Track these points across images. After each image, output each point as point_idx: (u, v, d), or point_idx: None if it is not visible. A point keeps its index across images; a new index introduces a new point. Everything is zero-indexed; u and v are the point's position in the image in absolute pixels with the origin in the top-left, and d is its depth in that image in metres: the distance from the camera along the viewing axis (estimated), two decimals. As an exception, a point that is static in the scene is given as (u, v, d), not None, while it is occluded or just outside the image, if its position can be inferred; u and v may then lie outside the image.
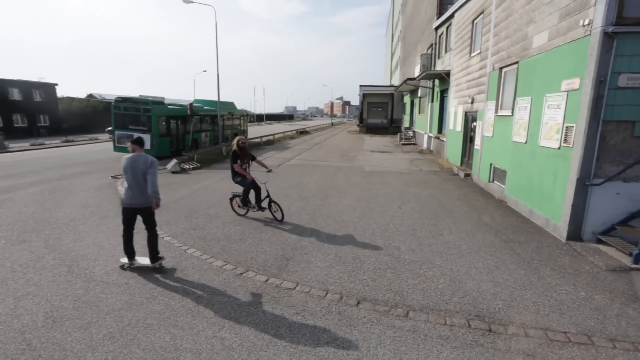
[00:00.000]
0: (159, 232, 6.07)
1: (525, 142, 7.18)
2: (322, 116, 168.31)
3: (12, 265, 4.80)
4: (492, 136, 9.18)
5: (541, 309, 3.77)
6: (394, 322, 3.55)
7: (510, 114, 8.01)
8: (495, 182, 9.08)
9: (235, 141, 6.66)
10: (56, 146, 23.18)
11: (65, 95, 40.78)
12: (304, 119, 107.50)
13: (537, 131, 6.71)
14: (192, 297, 4.01)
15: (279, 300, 3.94)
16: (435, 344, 3.21)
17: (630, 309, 3.79)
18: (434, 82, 18.18)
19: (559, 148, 5.96)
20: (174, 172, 12.16)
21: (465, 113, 11.93)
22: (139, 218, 4.64)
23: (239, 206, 7.06)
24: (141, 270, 4.66)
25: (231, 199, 7.21)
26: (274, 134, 27.37)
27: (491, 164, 9.26)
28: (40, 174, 12.06)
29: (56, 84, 37.90)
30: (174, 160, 12.75)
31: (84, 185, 10.05)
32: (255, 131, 30.82)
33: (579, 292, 4.13)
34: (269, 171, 7.10)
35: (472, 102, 11.07)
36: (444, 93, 16.65)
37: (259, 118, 75.83)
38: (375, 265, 4.80)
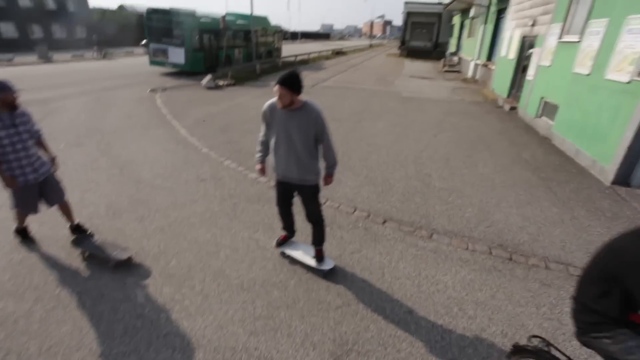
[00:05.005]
0: (197, 144, 6.41)
1: (589, 74, 6.42)
2: (360, 36, 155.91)
3: (73, 164, 5.33)
4: (550, 66, 8.24)
5: (567, 246, 3.78)
6: (417, 242, 3.73)
7: (577, 39, 7.04)
8: (543, 117, 8.43)
9: None
10: (94, 59, 23.50)
11: (96, 7, 39.86)
12: (340, 39, 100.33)
13: (605, 62, 5.92)
14: (229, 203, 4.36)
15: (309, 212, 4.20)
16: (455, 265, 3.39)
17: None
18: (492, -1, 15.92)
19: (628, 82, 5.29)
20: (208, 88, 12.22)
21: (523, 38, 10.61)
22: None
23: None
24: (183, 179, 5.02)
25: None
26: (308, 54, 26.05)
27: (542, 98, 8.50)
28: (84, 85, 12.53)
29: (87, -6, 36.87)
30: (209, 76, 12.71)
31: (125, 98, 10.42)
32: (289, 50, 29.40)
33: (612, 235, 4.04)
34: None
35: (532, 25, 9.74)
36: (500, 13, 14.65)
37: (294, 36, 71.56)
38: (404, 189, 4.89)
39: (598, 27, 6.35)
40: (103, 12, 39.96)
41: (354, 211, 4.28)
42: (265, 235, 3.71)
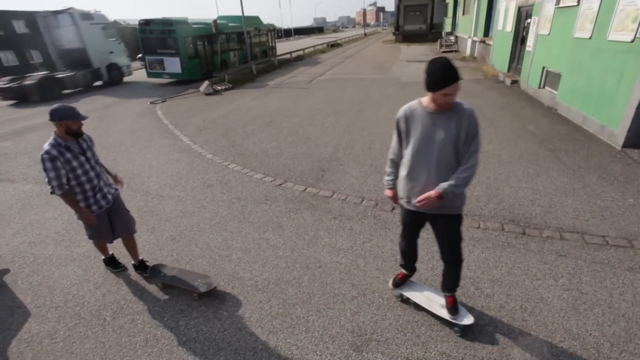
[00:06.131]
0: (200, 151, 6.45)
1: (590, 38, 6.24)
2: (354, 26, 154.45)
3: (80, 182, 5.42)
4: (549, 34, 8.04)
5: (581, 214, 3.72)
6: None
7: (575, 3, 6.84)
8: (546, 88, 8.25)
9: None
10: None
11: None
12: (334, 31, 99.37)
13: (607, 22, 5.75)
14: (237, 205, 4.38)
15: (316, 207, 4.21)
16: (468, 245, 3.35)
17: (682, 212, 3.63)
18: (484, -28, 15.56)
19: (632, 41, 5.13)
20: (207, 94, 12.26)
21: (519, 9, 10.36)
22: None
23: None
24: (190, 186, 5.07)
25: None
26: (303, 49, 25.91)
27: (544, 67, 8.30)
28: (86, 105, 12.70)
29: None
30: (206, 82, 12.73)
31: (127, 112, 10.51)
32: (284, 47, 29.29)
33: (626, 199, 3.97)
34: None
35: (529, -6, 9.50)
36: (495, -14, 14.33)
37: (287, 33, 71.16)
38: (410, 175, 4.85)
39: (595, -12, 6.15)
40: None
41: (362, 201, 4.27)
42: (275, 234, 3.72)
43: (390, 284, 2.83)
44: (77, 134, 2.68)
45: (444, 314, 2.50)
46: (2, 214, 4.59)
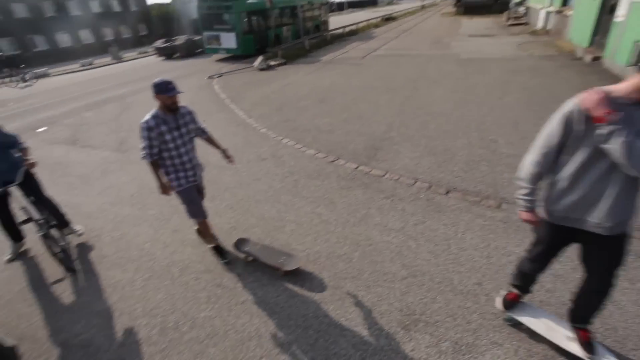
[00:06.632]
0: (255, 125, 6.67)
1: (701, 5, 5.29)
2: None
3: (149, 151, 5.92)
4: (648, 1, 6.94)
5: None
6: (484, 212, 3.54)
7: (686, -36, 5.79)
8: (638, 64, 7.21)
9: None
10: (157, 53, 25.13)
11: (153, 2, 41.95)
12: (389, 4, 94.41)
13: None
14: (290, 180, 4.52)
15: (368, 185, 4.21)
16: (528, 235, 3.11)
17: None
18: None
19: None
20: (261, 70, 12.48)
21: (611, -28, 9.00)
22: None
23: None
24: (246, 159, 5.30)
25: None
26: (357, 23, 25.05)
27: (636, 42, 7.24)
28: (151, 80, 13.58)
29: (143, -10, 38.79)
30: (260, 57, 12.93)
31: (187, 86, 11.09)
32: (336, 21, 28.52)
33: None
34: None
35: (625, -46, 8.18)
36: (582, -54, 12.51)
37: (340, 6, 69.09)
38: (468, 158, 4.62)
39: None
40: (159, 7, 42.12)
41: (415, 182, 4.18)
42: (327, 210, 3.80)
43: (498, 305, 2.42)
44: (171, 109, 2.73)
45: (575, 349, 2.05)
46: (88, 176, 5.20)
